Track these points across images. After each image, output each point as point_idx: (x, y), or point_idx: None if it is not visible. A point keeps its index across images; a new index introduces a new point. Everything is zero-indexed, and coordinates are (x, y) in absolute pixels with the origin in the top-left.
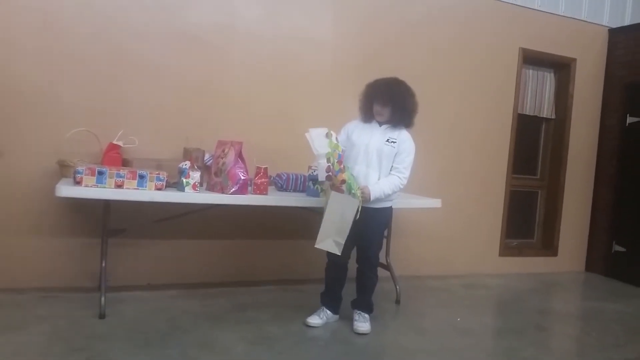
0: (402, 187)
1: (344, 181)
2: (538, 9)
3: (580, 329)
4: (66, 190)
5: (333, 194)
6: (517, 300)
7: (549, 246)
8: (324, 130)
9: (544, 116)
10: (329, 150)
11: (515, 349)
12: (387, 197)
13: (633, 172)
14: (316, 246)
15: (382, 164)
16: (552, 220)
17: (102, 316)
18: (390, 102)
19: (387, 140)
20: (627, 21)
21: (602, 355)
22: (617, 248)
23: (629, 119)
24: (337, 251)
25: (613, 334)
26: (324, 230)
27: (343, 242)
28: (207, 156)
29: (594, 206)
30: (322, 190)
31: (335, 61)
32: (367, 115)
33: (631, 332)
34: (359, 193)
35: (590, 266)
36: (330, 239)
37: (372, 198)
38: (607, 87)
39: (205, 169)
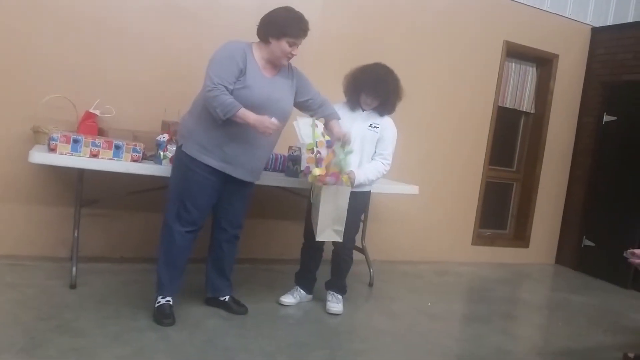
0: (385, 173)
1: (323, 175)
2: (524, 2)
3: (547, 318)
4: (40, 157)
5: (324, 187)
6: (487, 288)
7: (521, 238)
8: (309, 120)
9: (524, 110)
10: (311, 141)
11: (482, 336)
12: (370, 182)
13: (606, 170)
14: (317, 239)
15: (364, 148)
16: (525, 212)
17: (72, 286)
18: (381, 94)
19: (370, 126)
20: (609, 21)
21: (566, 343)
22: (587, 243)
23: (606, 118)
24: (339, 238)
25: (577, 324)
26: (322, 222)
27: (343, 229)
28: None
29: (567, 201)
30: (312, 186)
31: (321, 43)
32: (353, 102)
33: (594, 323)
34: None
35: (560, 259)
36: (330, 228)
37: (355, 183)
38: (587, 85)
39: None
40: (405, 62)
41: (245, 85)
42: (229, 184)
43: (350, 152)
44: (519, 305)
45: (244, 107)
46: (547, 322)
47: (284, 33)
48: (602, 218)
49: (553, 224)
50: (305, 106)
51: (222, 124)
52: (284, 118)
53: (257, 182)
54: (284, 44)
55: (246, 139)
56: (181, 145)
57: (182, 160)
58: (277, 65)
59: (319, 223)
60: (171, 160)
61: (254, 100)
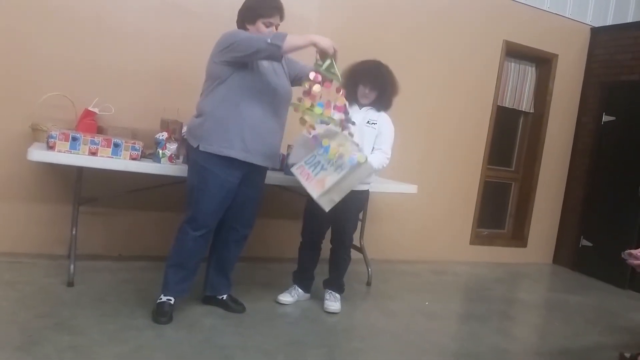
0: (385, 165)
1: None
2: (524, 2)
3: (544, 317)
4: (38, 154)
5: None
6: (485, 288)
7: (519, 237)
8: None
9: (523, 110)
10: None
11: (479, 335)
12: (374, 172)
13: (604, 170)
14: (316, 198)
15: (364, 145)
16: (523, 212)
17: (70, 284)
18: (378, 85)
19: (368, 122)
20: (609, 21)
21: (563, 343)
22: (585, 243)
23: (605, 118)
24: (327, 208)
25: (574, 324)
26: (331, 188)
27: (337, 201)
28: (184, 129)
29: (565, 201)
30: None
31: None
32: (350, 98)
33: (591, 322)
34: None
35: (557, 259)
36: (330, 196)
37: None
38: (586, 85)
39: (182, 141)
40: (405, 62)
41: (250, 70)
42: (244, 182)
43: (332, 68)
44: (516, 304)
45: (249, 93)
46: (544, 322)
47: (258, 14)
48: (600, 218)
49: (551, 223)
50: (297, 80)
51: (237, 115)
52: (287, 101)
53: None
54: (260, 26)
55: (262, 127)
56: (197, 146)
57: (197, 162)
58: None
59: (329, 185)
60: (170, 158)
61: (259, 86)
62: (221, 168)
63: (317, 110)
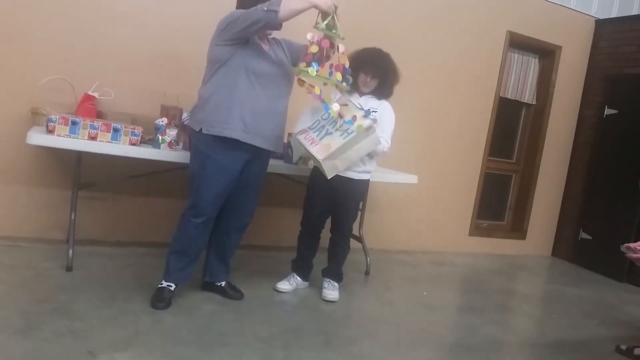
0: (385, 150)
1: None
2: None
3: (542, 310)
4: (38, 138)
5: (369, 124)
6: (483, 279)
7: (518, 229)
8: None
9: (525, 101)
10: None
11: (476, 326)
12: (374, 153)
13: (605, 163)
14: (321, 160)
15: None
16: (523, 204)
17: (69, 269)
18: (379, 73)
19: (368, 110)
20: (613, 13)
21: (560, 334)
22: (584, 236)
23: (607, 111)
24: (329, 175)
25: (571, 316)
26: (336, 153)
27: (341, 170)
28: (184, 115)
29: (565, 194)
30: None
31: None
32: (352, 86)
33: (588, 315)
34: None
35: (556, 251)
36: (334, 161)
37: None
38: (589, 78)
39: (182, 128)
40: (408, 51)
41: (250, 52)
42: (245, 170)
43: (334, 28)
44: (514, 296)
45: (249, 75)
46: (541, 314)
47: (256, 1)
48: (599, 212)
49: (551, 216)
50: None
51: (237, 96)
52: (288, 84)
53: None
54: None
55: (262, 109)
56: (200, 129)
57: (198, 149)
58: (264, 38)
59: (334, 149)
60: (170, 144)
61: (259, 69)
62: (223, 152)
63: (311, 71)
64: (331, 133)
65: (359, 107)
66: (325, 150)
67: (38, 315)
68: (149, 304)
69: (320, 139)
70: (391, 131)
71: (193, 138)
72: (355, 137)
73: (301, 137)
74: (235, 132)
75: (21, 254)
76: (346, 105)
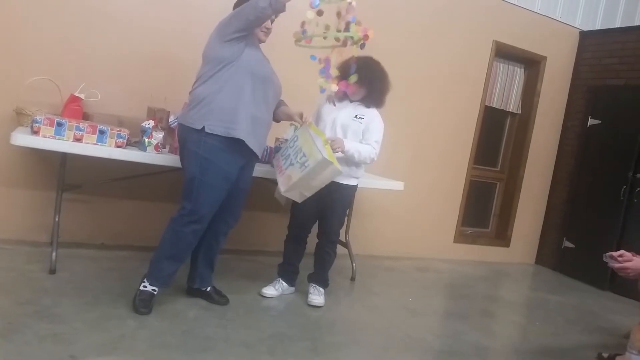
0: (373, 157)
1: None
2: (515, 3)
3: (525, 316)
4: (22, 139)
5: (321, 159)
6: (467, 286)
7: (502, 237)
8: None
9: (510, 110)
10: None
11: (460, 332)
12: (359, 158)
13: (588, 173)
14: (284, 193)
15: (347, 138)
16: (507, 212)
17: (52, 271)
18: (368, 82)
19: (355, 117)
20: (597, 25)
21: (543, 341)
22: (567, 244)
23: (590, 121)
24: (300, 200)
25: (554, 324)
26: (297, 185)
27: (308, 196)
28: (171, 118)
29: (549, 202)
30: (295, 129)
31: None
32: (341, 93)
33: (571, 322)
34: (328, 150)
35: (540, 259)
36: (299, 191)
37: (345, 148)
38: (573, 88)
39: (169, 130)
40: (394, 60)
41: (257, 58)
42: (239, 175)
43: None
44: (498, 303)
45: (258, 79)
46: (525, 321)
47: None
48: (583, 220)
49: (534, 224)
50: None
51: (243, 99)
52: (277, 94)
53: None
54: None
55: (260, 115)
56: (202, 128)
57: (198, 154)
58: (256, 43)
59: (292, 183)
60: (156, 147)
61: (266, 74)
62: (225, 155)
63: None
64: (293, 164)
65: (318, 148)
66: (287, 182)
67: (20, 318)
68: (131, 307)
69: (286, 169)
70: (378, 138)
71: (189, 138)
72: (313, 169)
73: (274, 160)
74: (242, 132)
75: (4, 256)
76: (307, 140)
